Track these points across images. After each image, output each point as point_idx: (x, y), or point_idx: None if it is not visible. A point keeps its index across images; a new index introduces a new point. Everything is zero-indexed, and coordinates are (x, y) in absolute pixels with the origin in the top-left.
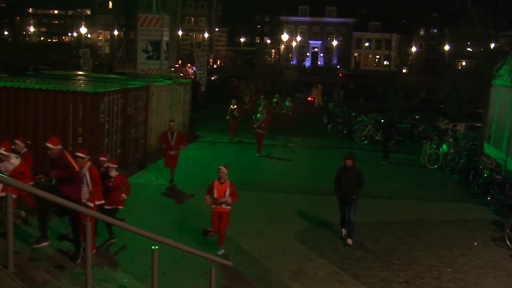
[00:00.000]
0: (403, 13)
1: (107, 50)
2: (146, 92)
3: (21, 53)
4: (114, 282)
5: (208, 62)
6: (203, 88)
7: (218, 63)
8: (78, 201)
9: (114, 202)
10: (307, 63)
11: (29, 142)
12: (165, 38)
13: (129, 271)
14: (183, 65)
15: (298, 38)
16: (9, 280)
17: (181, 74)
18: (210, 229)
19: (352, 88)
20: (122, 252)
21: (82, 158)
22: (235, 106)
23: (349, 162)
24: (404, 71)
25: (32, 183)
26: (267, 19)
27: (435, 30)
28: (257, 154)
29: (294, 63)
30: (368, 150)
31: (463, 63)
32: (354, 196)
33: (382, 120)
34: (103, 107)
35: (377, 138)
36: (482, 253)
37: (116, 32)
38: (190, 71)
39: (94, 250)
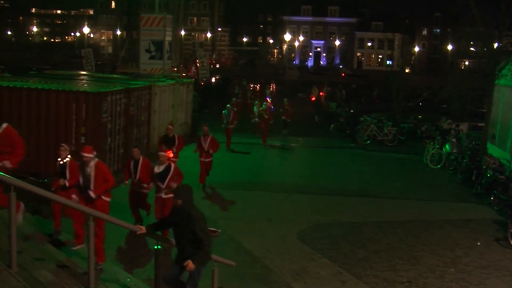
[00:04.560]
0: (406, 13)
1: (109, 50)
2: (149, 92)
3: (24, 53)
4: (117, 282)
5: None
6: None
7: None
8: None
9: None
10: (310, 63)
11: None
12: (168, 38)
13: (131, 270)
14: (184, 65)
15: (301, 38)
16: (13, 280)
17: (184, 74)
18: (214, 229)
19: (355, 88)
20: (125, 252)
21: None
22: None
23: (177, 202)
24: (407, 71)
25: None
26: (270, 19)
27: (438, 30)
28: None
29: (296, 63)
30: (370, 150)
31: (466, 63)
32: (190, 265)
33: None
34: (105, 107)
35: (380, 137)
36: (485, 253)
37: (118, 32)
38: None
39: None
